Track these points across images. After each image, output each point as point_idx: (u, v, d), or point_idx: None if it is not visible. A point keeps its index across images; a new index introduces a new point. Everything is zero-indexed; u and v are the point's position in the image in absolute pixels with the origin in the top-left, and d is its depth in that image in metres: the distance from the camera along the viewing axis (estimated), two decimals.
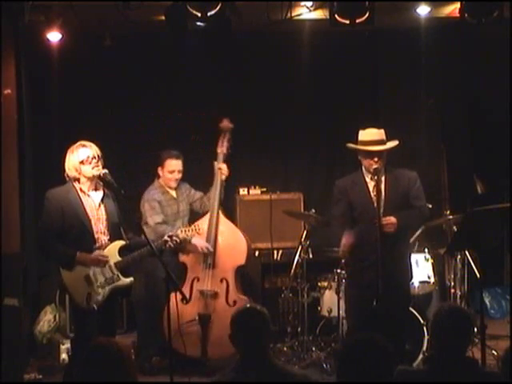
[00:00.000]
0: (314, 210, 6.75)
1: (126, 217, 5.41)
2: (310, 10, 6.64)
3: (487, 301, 7.96)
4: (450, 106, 8.17)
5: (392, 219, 5.39)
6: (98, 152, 5.23)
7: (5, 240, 5.97)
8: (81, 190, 5.23)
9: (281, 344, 6.73)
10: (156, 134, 7.73)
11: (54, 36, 6.42)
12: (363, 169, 5.60)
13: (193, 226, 5.94)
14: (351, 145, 5.61)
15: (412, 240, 6.51)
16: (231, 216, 6.85)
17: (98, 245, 5.22)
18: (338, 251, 6.80)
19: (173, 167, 6.46)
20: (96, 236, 5.22)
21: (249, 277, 6.87)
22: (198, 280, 6.37)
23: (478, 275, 5.89)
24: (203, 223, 6.36)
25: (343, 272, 6.48)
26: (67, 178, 5.26)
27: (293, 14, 6.65)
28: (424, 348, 6.13)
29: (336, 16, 6.12)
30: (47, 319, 6.91)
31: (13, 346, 5.92)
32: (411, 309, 6.08)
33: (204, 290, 6.32)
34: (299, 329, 6.72)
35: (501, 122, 7.61)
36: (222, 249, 6.41)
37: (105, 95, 7.67)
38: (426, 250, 6.66)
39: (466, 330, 3.66)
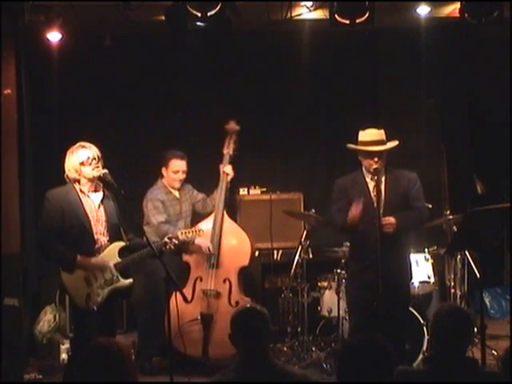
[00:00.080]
0: (313, 210, 6.75)
1: (126, 217, 5.41)
2: (310, 10, 6.64)
3: (487, 301, 7.96)
4: (450, 106, 8.17)
5: (391, 220, 5.39)
6: (98, 153, 5.23)
7: (5, 240, 5.98)
8: (81, 190, 5.23)
9: (281, 344, 6.74)
10: (156, 134, 7.72)
11: (53, 36, 6.42)
12: (363, 169, 5.60)
13: (193, 228, 5.95)
14: (351, 145, 5.61)
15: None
16: (231, 216, 6.85)
17: (97, 246, 5.22)
18: (338, 251, 6.88)
19: (177, 167, 6.49)
20: (96, 237, 5.22)
21: (252, 277, 6.89)
22: (201, 280, 6.39)
23: (478, 275, 5.90)
24: (206, 224, 6.39)
25: (343, 272, 6.50)
26: (67, 179, 5.26)
27: (293, 14, 6.65)
28: (424, 348, 6.13)
29: (336, 16, 6.12)
30: (47, 319, 6.91)
31: (13, 346, 5.92)
32: (411, 309, 6.09)
33: (207, 290, 6.34)
34: (299, 329, 6.72)
35: (501, 121, 7.61)
36: (226, 249, 6.43)
37: (105, 95, 7.67)
38: (426, 250, 6.66)
39: (466, 330, 3.66)
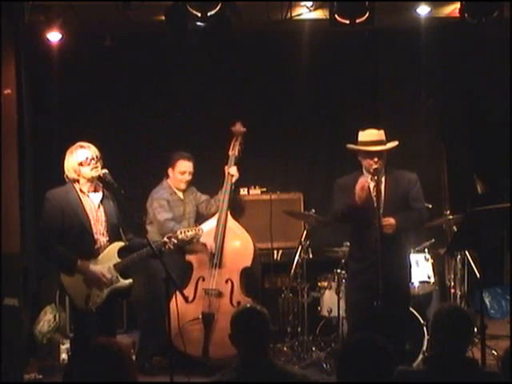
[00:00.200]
0: (313, 210, 6.76)
1: (126, 217, 5.41)
2: (310, 10, 6.63)
3: (487, 301, 7.96)
4: (450, 106, 8.16)
5: (391, 220, 5.40)
6: (97, 153, 5.23)
7: (5, 240, 5.98)
8: (81, 190, 5.23)
9: (281, 344, 6.75)
10: (156, 134, 7.72)
11: (53, 36, 6.42)
12: (363, 169, 5.60)
13: (192, 227, 5.95)
14: (351, 145, 5.61)
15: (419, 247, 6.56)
16: (235, 217, 6.84)
17: (97, 246, 5.22)
18: (338, 251, 6.88)
19: (184, 168, 6.52)
20: (95, 237, 5.21)
21: (253, 278, 6.89)
22: (204, 279, 6.41)
23: (478, 275, 5.89)
24: (210, 224, 6.43)
25: (343, 272, 6.50)
26: (67, 179, 5.26)
27: (293, 14, 6.64)
28: (424, 348, 6.13)
29: (336, 16, 6.12)
30: (47, 319, 6.91)
31: (13, 346, 5.92)
32: (411, 309, 6.09)
33: (209, 289, 6.36)
34: (299, 329, 6.73)
35: (501, 121, 7.61)
36: (229, 250, 6.46)
37: (105, 95, 7.66)
38: (426, 250, 6.66)
39: (465, 330, 3.66)
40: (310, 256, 6.90)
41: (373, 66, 8.15)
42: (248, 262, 6.49)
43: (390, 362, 3.17)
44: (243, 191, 7.35)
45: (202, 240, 6.25)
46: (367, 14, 6.09)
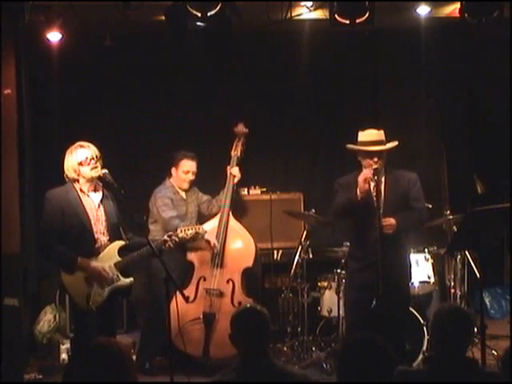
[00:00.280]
0: (313, 210, 6.76)
1: (126, 217, 5.41)
2: (310, 10, 6.63)
3: (487, 301, 7.96)
4: (450, 106, 8.16)
5: (391, 221, 5.40)
6: (97, 152, 5.23)
7: (5, 240, 5.98)
8: (81, 190, 5.23)
9: (281, 344, 6.75)
10: (156, 134, 7.72)
11: (53, 36, 6.42)
12: (363, 169, 5.60)
13: (193, 226, 5.95)
14: (351, 146, 5.62)
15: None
16: (237, 218, 6.84)
17: (97, 245, 5.22)
18: (338, 251, 6.88)
19: (188, 168, 6.53)
20: (96, 236, 5.22)
21: (254, 278, 6.89)
22: (205, 279, 6.42)
23: (478, 275, 5.89)
24: (212, 224, 6.44)
25: (343, 272, 6.50)
26: (67, 179, 5.26)
27: (293, 14, 6.64)
28: (424, 348, 6.13)
29: (336, 16, 6.12)
30: (47, 319, 6.91)
31: (13, 346, 5.92)
32: (411, 309, 6.09)
33: (210, 289, 6.37)
34: (299, 329, 6.73)
35: (501, 121, 7.61)
36: (231, 250, 6.48)
37: (105, 95, 7.66)
38: (426, 250, 6.66)
39: (465, 330, 3.66)
40: (310, 256, 6.90)
41: (373, 65, 8.14)
42: (249, 263, 6.50)
43: (389, 362, 3.17)
44: (243, 191, 7.35)
45: (206, 237, 6.26)
46: (367, 14, 6.09)
